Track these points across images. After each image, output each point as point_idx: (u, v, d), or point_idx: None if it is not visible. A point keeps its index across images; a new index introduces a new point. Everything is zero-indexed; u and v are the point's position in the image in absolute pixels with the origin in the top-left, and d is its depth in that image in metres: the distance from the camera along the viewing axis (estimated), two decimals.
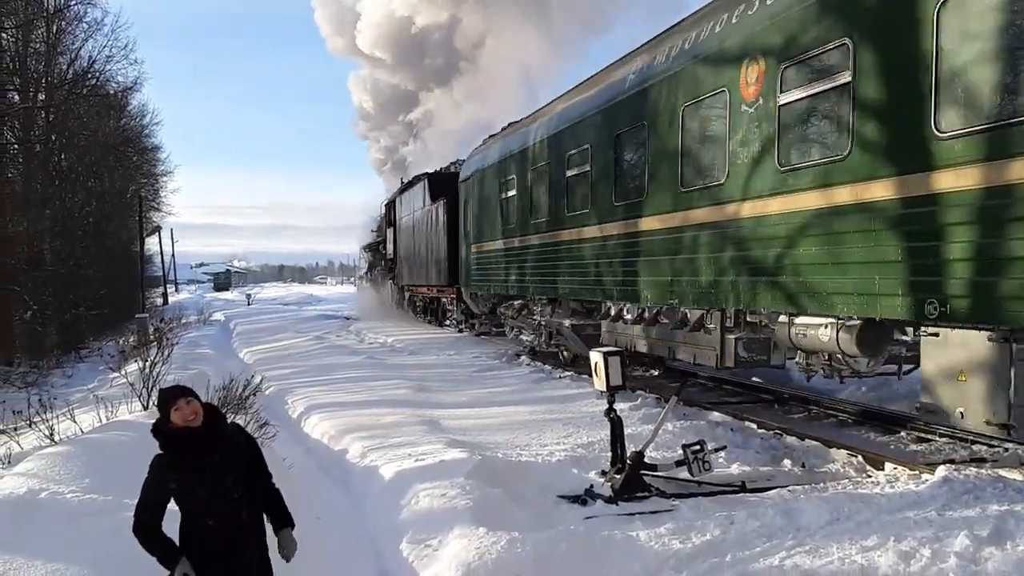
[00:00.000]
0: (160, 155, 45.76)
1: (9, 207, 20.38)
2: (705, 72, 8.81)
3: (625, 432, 6.66)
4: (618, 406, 6.77)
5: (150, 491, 3.70)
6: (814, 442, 8.27)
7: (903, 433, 8.73)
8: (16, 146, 23.66)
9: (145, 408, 8.35)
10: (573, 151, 12.47)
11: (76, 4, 24.80)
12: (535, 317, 15.58)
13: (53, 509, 5.02)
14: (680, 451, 6.47)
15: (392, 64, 50.75)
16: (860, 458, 7.53)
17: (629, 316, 11.63)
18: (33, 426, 7.77)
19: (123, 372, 10.06)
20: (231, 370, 11.70)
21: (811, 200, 7.12)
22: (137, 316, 26.10)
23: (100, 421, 8.00)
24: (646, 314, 11.16)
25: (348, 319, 31.06)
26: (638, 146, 10.52)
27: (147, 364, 9.04)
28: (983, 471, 6.53)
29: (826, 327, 7.53)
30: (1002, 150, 5.37)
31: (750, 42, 8.01)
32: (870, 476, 6.97)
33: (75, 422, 7.91)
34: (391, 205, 30.90)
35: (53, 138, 26.12)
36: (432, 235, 23.09)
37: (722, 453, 7.01)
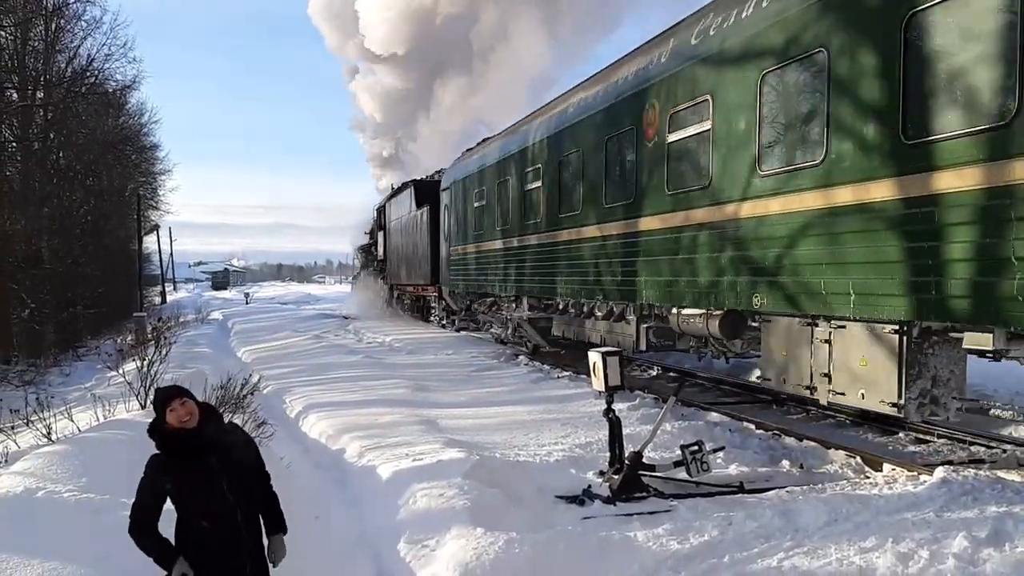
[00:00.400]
0: (159, 153, 45.78)
1: (7, 205, 20.35)
2: (620, 112, 10.86)
3: (623, 432, 6.66)
4: (616, 406, 6.77)
5: (145, 492, 3.70)
6: (812, 443, 8.28)
7: (901, 434, 8.74)
8: (14, 144, 23.64)
9: (143, 407, 8.34)
10: (528, 169, 14.44)
11: (75, 2, 24.78)
12: (503, 312, 17.49)
13: (50, 508, 5.02)
14: (678, 451, 6.46)
15: (402, 62, 50.47)
16: (858, 459, 7.53)
17: (573, 311, 13.49)
18: (30, 425, 7.76)
19: (121, 371, 10.05)
20: (229, 369, 11.70)
21: (682, 218, 9.29)
22: (135, 315, 26.09)
23: (97, 420, 8.00)
24: (584, 308, 12.97)
25: (346, 318, 31.06)
26: (576, 168, 12.49)
27: (145, 363, 9.03)
28: (981, 472, 6.53)
29: (700, 316, 9.44)
30: (790, 185, 7.41)
31: (648, 91, 10.07)
32: (868, 477, 6.97)
33: (72, 421, 7.90)
34: (381, 210, 33.28)
35: (51, 136, 26.10)
36: (417, 238, 25.13)
37: (720, 454, 7.01)
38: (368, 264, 38.61)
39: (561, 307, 13.94)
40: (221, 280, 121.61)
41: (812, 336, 7.49)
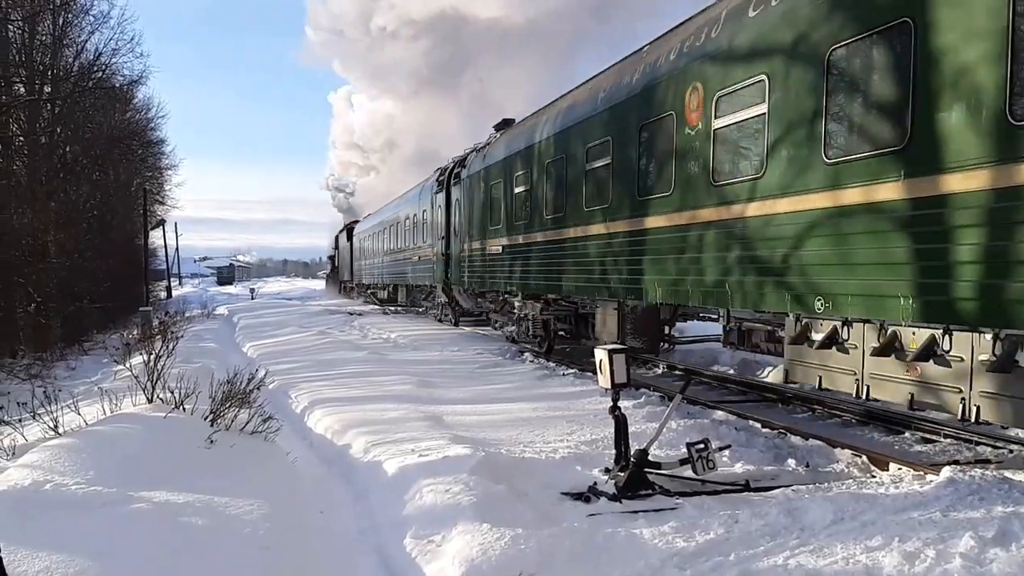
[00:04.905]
0: (165, 148, 45.79)
1: (14, 199, 20.39)
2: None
3: (629, 430, 6.65)
4: (622, 404, 6.74)
5: None
6: (818, 442, 8.26)
7: (907, 434, 8.71)
8: (21, 138, 23.65)
9: (149, 401, 8.35)
10: (382, 229, 34.89)
11: None
12: (370, 291, 40.65)
13: (57, 501, 5.02)
14: (684, 449, 6.45)
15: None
16: (864, 458, 7.52)
17: (394, 289, 34.53)
18: (37, 418, 7.76)
19: (128, 365, 10.06)
20: (235, 364, 11.70)
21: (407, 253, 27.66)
22: (141, 309, 26.13)
23: (104, 413, 7.99)
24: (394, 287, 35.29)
25: (351, 314, 31.14)
26: (391, 233, 32.18)
27: (151, 357, 9.03)
28: (988, 472, 6.51)
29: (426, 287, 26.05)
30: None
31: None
32: (874, 476, 6.96)
33: (79, 414, 7.91)
34: (337, 237, 59.45)
35: (58, 130, 26.09)
36: (347, 256, 50.07)
37: (726, 452, 7.01)
38: (333, 269, 65.74)
39: (386, 286, 35.89)
40: (226, 275, 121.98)
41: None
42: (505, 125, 18.83)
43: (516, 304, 16.86)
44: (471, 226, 19.11)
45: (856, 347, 7.64)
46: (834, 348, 7.95)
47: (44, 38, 24.54)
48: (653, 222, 10.29)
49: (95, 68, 26.70)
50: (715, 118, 8.90)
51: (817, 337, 8.14)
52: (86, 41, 26.95)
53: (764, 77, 8.01)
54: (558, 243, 13.56)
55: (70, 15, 25.48)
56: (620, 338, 12.45)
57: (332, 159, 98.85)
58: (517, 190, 15.72)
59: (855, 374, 7.65)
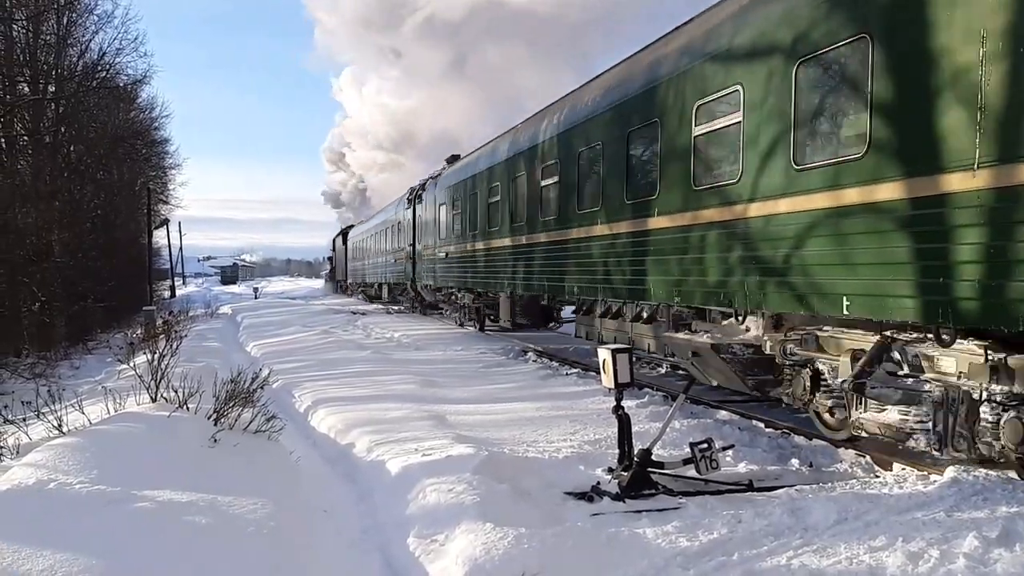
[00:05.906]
0: (169, 148, 45.86)
1: (18, 199, 20.43)
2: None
3: (632, 430, 6.65)
4: (625, 403, 6.75)
5: None
6: (822, 441, 8.24)
7: None
8: (26, 138, 23.70)
9: (153, 400, 8.36)
10: (368, 236, 42.46)
11: None
12: (361, 289, 47.35)
13: (61, 500, 5.03)
14: (687, 449, 6.45)
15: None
16: (868, 458, 7.51)
17: (379, 288, 40.35)
18: (41, 417, 7.77)
19: (131, 364, 10.07)
20: (239, 363, 11.72)
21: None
22: (145, 308, 26.19)
23: (108, 412, 8.01)
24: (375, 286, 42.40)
25: (354, 314, 31.19)
26: (372, 240, 40.54)
27: (155, 357, 9.04)
28: (992, 472, 6.49)
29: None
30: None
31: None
32: (878, 476, 6.96)
33: (83, 413, 7.92)
34: (334, 240, 66.55)
35: (62, 130, 26.14)
36: (343, 258, 56.32)
37: (729, 452, 7.00)
38: (331, 270, 71.63)
39: (373, 284, 41.52)
40: (230, 275, 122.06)
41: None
42: (453, 159, 24.10)
43: (458, 296, 22.92)
44: (428, 237, 25.25)
45: (596, 313, 13.01)
46: (591, 315, 13.28)
47: (48, 38, 24.61)
48: (514, 241, 15.73)
49: (99, 68, 26.81)
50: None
51: (586, 308, 13.56)
52: (90, 40, 27.08)
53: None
54: (475, 252, 18.99)
55: (74, 15, 25.60)
56: (512, 318, 17.90)
57: (352, 161, 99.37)
58: (454, 212, 21.36)
59: (597, 327, 12.91)
